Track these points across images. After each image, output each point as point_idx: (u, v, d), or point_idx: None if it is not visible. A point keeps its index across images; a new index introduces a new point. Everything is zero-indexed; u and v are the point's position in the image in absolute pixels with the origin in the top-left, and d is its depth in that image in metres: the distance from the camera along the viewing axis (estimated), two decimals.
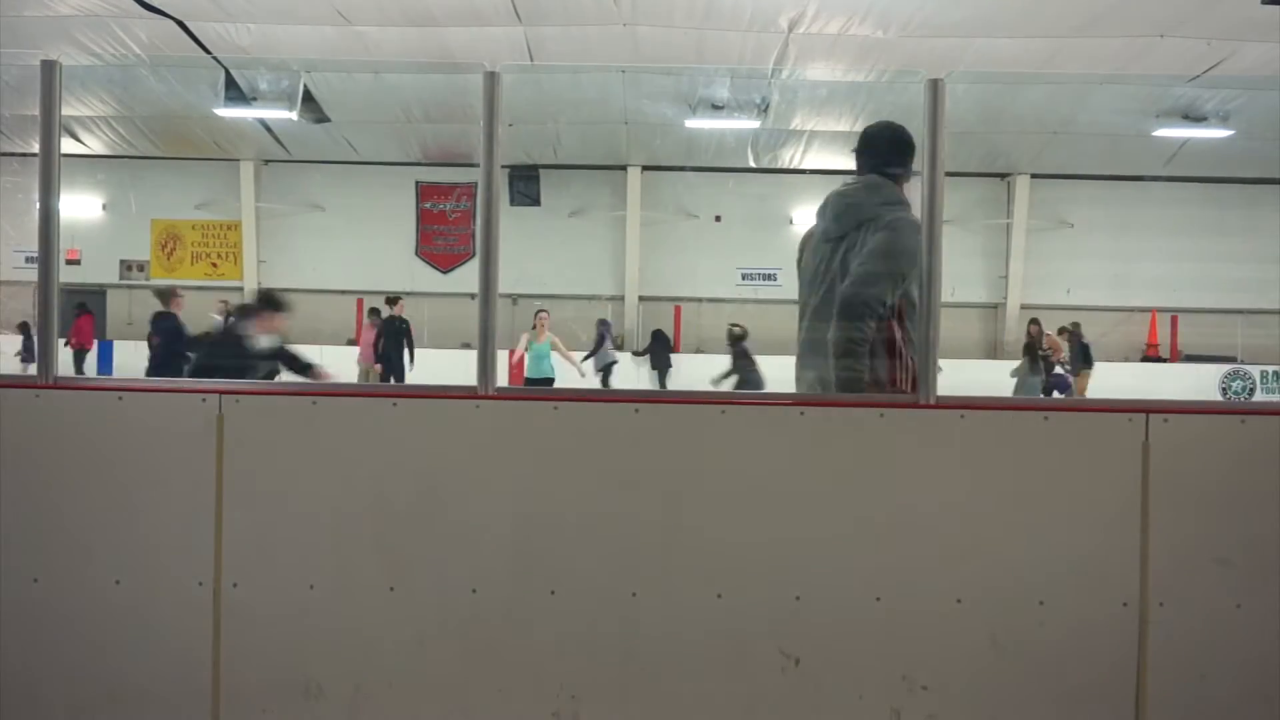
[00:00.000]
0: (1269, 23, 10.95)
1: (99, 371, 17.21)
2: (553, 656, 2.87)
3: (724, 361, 11.85)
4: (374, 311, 15.01)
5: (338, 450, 2.91)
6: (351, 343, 17.82)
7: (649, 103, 16.25)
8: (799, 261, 3.55)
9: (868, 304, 3.16)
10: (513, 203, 18.64)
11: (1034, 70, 14.01)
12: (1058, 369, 13.73)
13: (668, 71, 14.93)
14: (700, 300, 19.61)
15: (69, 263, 18.15)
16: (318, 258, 19.45)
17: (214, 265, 20.16)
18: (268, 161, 19.88)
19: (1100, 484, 2.88)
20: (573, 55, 13.63)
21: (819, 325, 3.30)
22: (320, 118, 16.85)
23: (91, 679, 2.88)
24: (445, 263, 20.04)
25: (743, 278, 19.87)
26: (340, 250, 19.49)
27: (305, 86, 15.44)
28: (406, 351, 14.11)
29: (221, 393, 2.93)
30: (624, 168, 19.56)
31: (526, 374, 11.98)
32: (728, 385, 11.01)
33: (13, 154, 13.75)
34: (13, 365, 14.42)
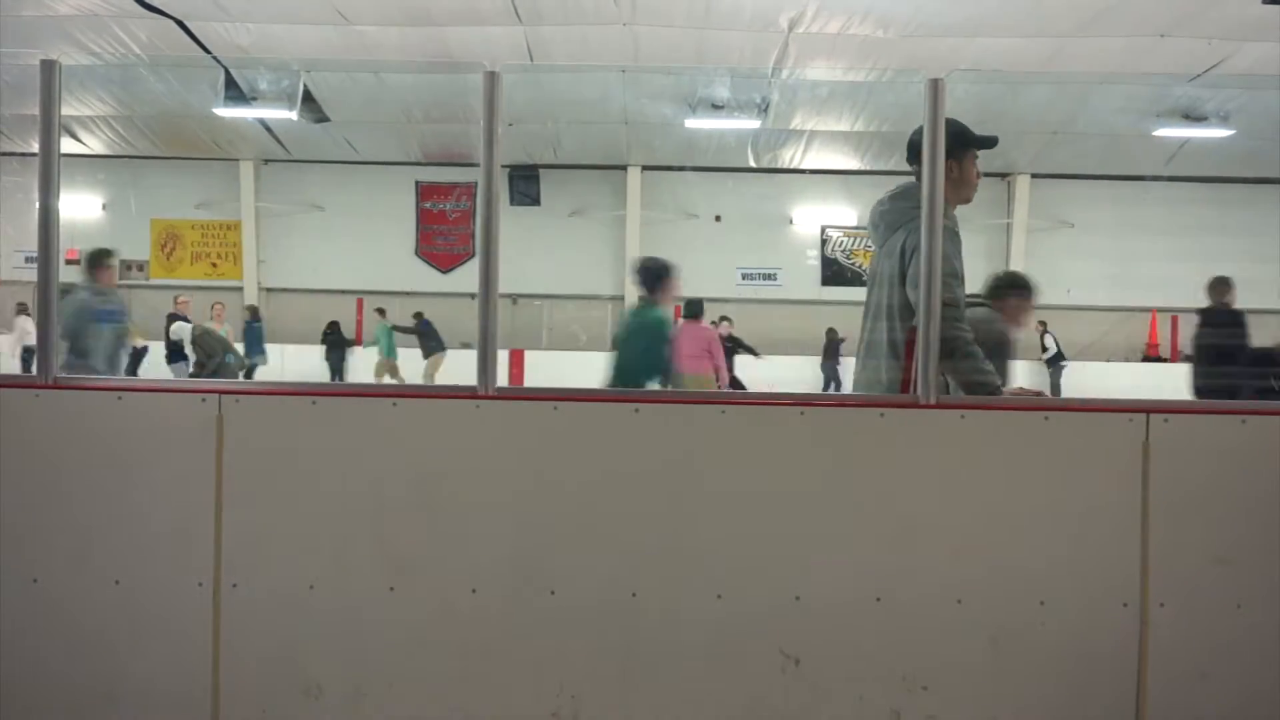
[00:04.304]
0: (1269, 23, 10.94)
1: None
2: (553, 656, 2.87)
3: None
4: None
5: (337, 450, 2.91)
6: (351, 343, 17.86)
7: (649, 102, 16.23)
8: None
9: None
10: (513, 203, 18.61)
11: (1034, 70, 14.00)
12: None
13: (668, 71, 14.92)
14: (700, 300, 19.58)
15: (69, 263, 18.05)
16: (318, 258, 19.43)
17: (214, 265, 20.13)
18: (268, 161, 19.86)
19: (1100, 484, 2.88)
20: (573, 55, 13.61)
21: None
22: (320, 117, 16.83)
23: (91, 679, 2.88)
24: (445, 263, 20.03)
25: (743, 278, 19.88)
26: (340, 250, 19.46)
27: (305, 86, 15.41)
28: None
29: (221, 393, 2.94)
30: (624, 168, 19.54)
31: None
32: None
33: (13, 154, 13.74)
34: (13, 365, 14.38)
